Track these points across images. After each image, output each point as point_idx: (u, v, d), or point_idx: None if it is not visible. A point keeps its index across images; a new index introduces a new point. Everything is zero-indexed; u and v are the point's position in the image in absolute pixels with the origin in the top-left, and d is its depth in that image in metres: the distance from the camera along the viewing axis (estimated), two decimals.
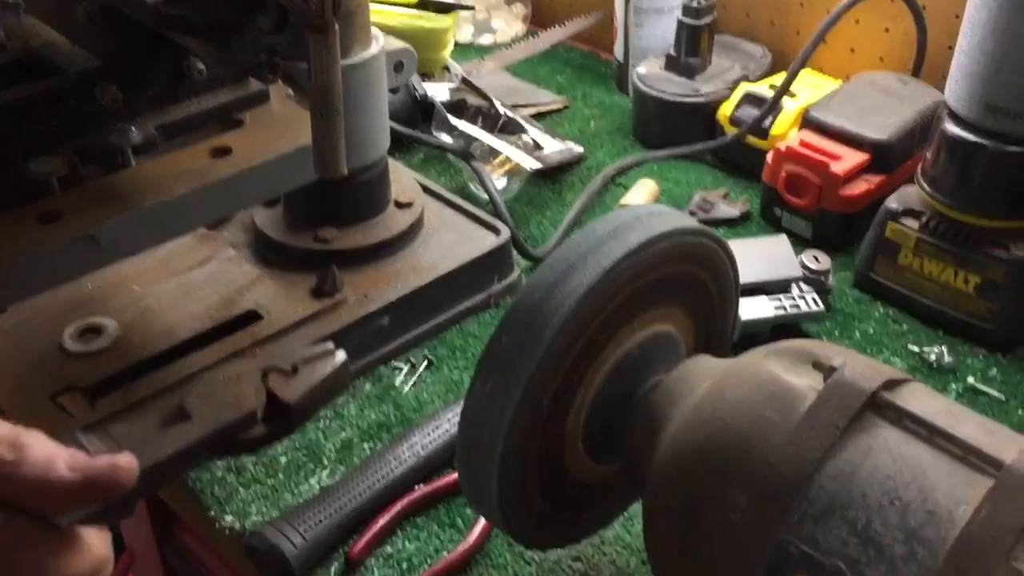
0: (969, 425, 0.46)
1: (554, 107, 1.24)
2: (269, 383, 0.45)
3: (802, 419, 0.47)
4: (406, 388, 0.84)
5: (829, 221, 0.99)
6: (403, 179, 0.97)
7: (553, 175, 1.11)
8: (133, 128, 0.69)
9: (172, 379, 0.77)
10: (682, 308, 0.59)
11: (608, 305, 0.53)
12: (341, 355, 0.46)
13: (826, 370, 0.48)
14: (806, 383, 0.49)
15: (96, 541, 0.39)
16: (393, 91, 0.87)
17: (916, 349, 0.88)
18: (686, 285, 0.59)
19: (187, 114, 0.72)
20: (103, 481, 0.38)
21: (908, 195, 0.91)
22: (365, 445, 0.79)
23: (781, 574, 0.45)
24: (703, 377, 0.54)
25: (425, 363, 0.87)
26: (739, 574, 0.47)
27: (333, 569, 0.70)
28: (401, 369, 0.86)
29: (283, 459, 0.77)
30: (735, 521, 0.47)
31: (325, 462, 0.77)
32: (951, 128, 0.86)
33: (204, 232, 0.90)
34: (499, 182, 1.04)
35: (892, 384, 0.48)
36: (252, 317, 0.83)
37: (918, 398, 0.48)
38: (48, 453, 0.38)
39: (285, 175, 0.71)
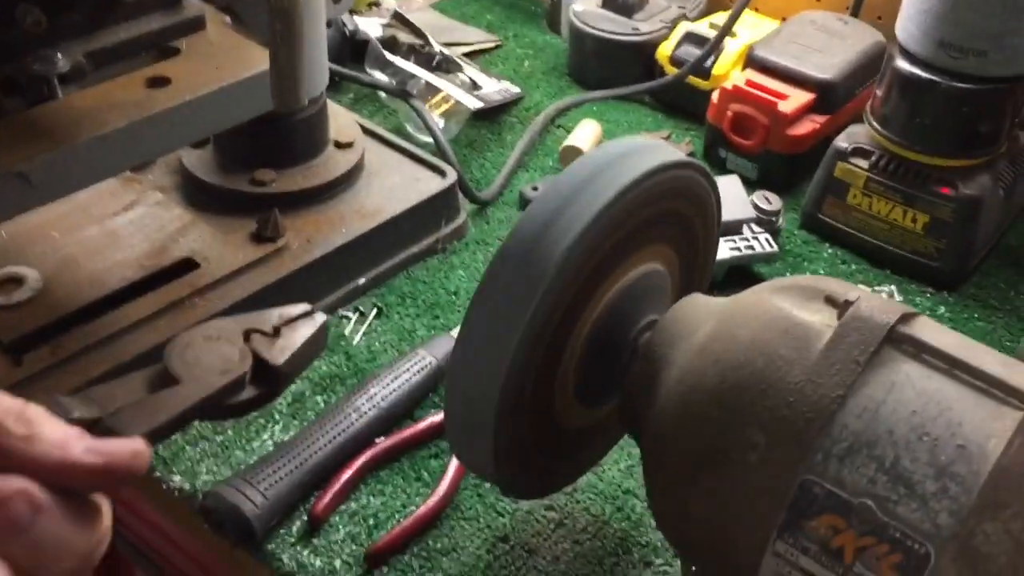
0: (986, 357, 0.45)
1: (486, 46, 1.20)
2: (253, 344, 0.41)
3: (820, 356, 0.45)
4: (356, 337, 0.80)
5: (775, 162, 0.98)
6: (341, 118, 0.92)
7: (492, 116, 1.07)
8: (59, 55, 0.62)
9: (104, 332, 0.71)
10: (670, 245, 0.57)
11: (604, 243, 0.51)
12: (320, 316, 0.42)
13: (841, 305, 0.47)
14: (819, 319, 0.47)
15: (107, 509, 0.35)
16: (327, 25, 0.82)
17: (865, 289, 0.88)
18: (675, 221, 0.56)
19: (117, 40, 0.65)
20: (120, 467, 0.34)
21: (857, 134, 0.91)
22: (318, 398, 0.75)
23: (806, 515, 0.44)
24: (703, 317, 0.52)
25: (374, 311, 0.83)
26: (760, 516, 0.45)
27: (295, 528, 0.66)
28: (349, 318, 0.82)
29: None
30: (754, 462, 0.45)
31: (277, 416, 0.73)
32: (903, 65, 0.85)
33: (127, 175, 0.83)
34: (436, 123, 1.00)
35: (907, 317, 0.46)
36: (188, 265, 0.77)
37: (932, 331, 0.46)
38: (61, 431, 0.34)
39: (232, 108, 0.65)
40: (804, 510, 0.44)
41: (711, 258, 0.62)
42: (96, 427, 0.37)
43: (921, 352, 0.45)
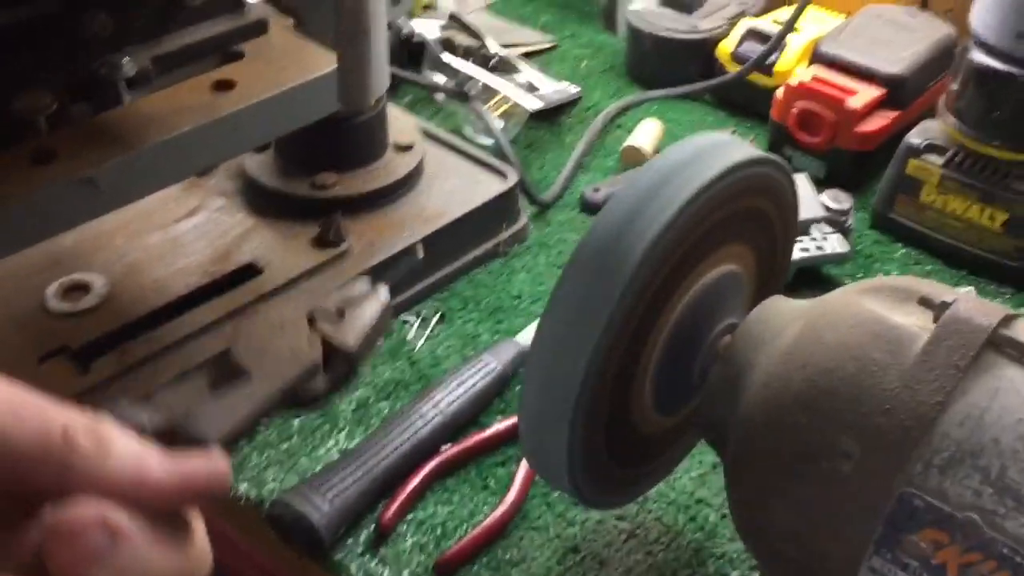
0: None
1: (542, 47, 1.18)
2: (319, 328, 0.39)
3: (917, 360, 0.43)
4: (419, 343, 0.79)
5: (843, 160, 0.95)
6: (400, 121, 0.91)
7: (550, 117, 1.05)
8: (126, 60, 0.61)
9: (170, 339, 0.71)
10: (748, 245, 0.55)
11: (684, 242, 0.49)
12: (384, 293, 0.40)
13: (937, 307, 0.44)
14: (914, 322, 0.45)
15: (200, 527, 0.33)
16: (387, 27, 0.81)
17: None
18: (753, 220, 0.54)
19: (182, 44, 0.65)
20: (198, 486, 0.32)
21: (930, 130, 0.88)
22: (382, 404, 0.74)
23: (904, 529, 0.42)
24: (787, 320, 0.50)
25: (437, 316, 0.82)
26: (854, 530, 0.43)
27: (363, 537, 0.65)
28: (412, 323, 0.81)
29: (296, 421, 0.72)
30: (847, 472, 0.43)
31: (341, 423, 0.72)
32: (979, 57, 0.82)
33: (190, 180, 0.83)
34: (496, 125, 0.98)
35: (1009, 319, 0.44)
36: (251, 270, 0.77)
37: None
38: (135, 448, 0.32)
39: (296, 110, 0.64)
40: (903, 524, 0.42)
41: (788, 259, 0.60)
42: (175, 435, 0.36)
43: None
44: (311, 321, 0.40)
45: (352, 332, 0.39)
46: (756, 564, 0.64)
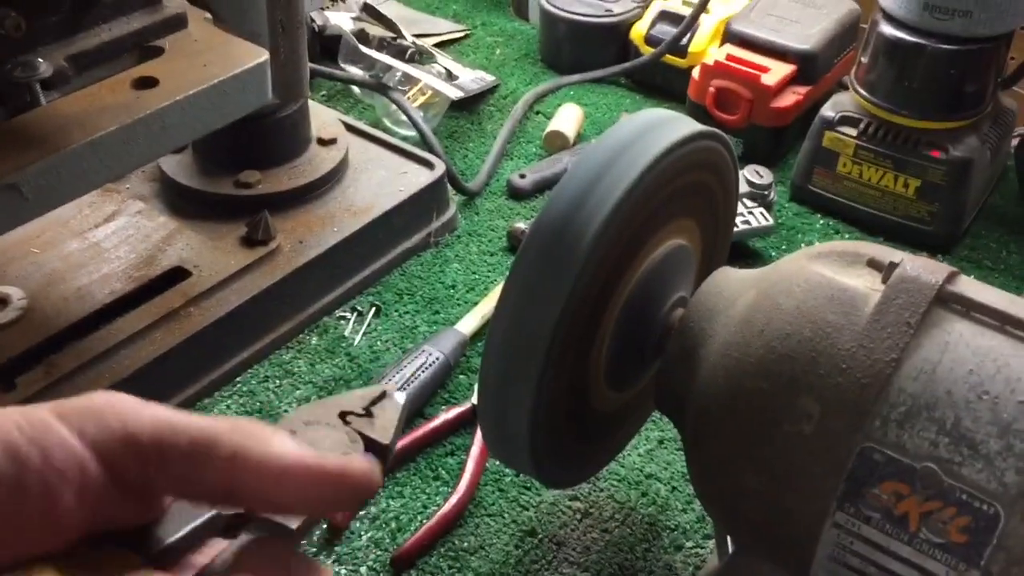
0: None
1: (455, 36, 1.18)
2: (354, 426, 0.41)
3: (870, 320, 0.44)
4: (357, 338, 0.78)
5: (759, 136, 0.97)
6: (322, 115, 0.89)
7: (469, 107, 1.05)
8: (40, 61, 0.59)
9: (99, 348, 0.68)
10: (694, 219, 0.56)
11: (634, 219, 0.49)
12: (401, 397, 0.43)
13: (886, 268, 0.46)
14: (864, 283, 0.46)
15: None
16: None
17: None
18: (699, 194, 0.55)
19: (99, 42, 0.62)
20: (361, 479, 0.33)
21: (843, 102, 0.91)
22: None
23: (866, 483, 0.43)
24: (739, 289, 0.51)
25: (372, 310, 0.80)
26: (818, 487, 0.44)
27: (315, 537, 0.64)
28: (348, 319, 0.80)
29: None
30: (809, 433, 0.44)
31: None
32: (888, 30, 0.85)
33: (105, 186, 0.80)
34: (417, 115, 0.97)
35: (953, 276, 0.45)
36: (179, 274, 0.75)
37: (977, 288, 0.46)
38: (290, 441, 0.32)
39: (224, 106, 0.63)
40: (864, 478, 0.43)
41: (730, 231, 0.61)
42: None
43: (971, 310, 0.44)
44: (343, 418, 0.41)
45: (385, 429, 0.41)
46: (710, 532, 0.65)
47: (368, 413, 0.42)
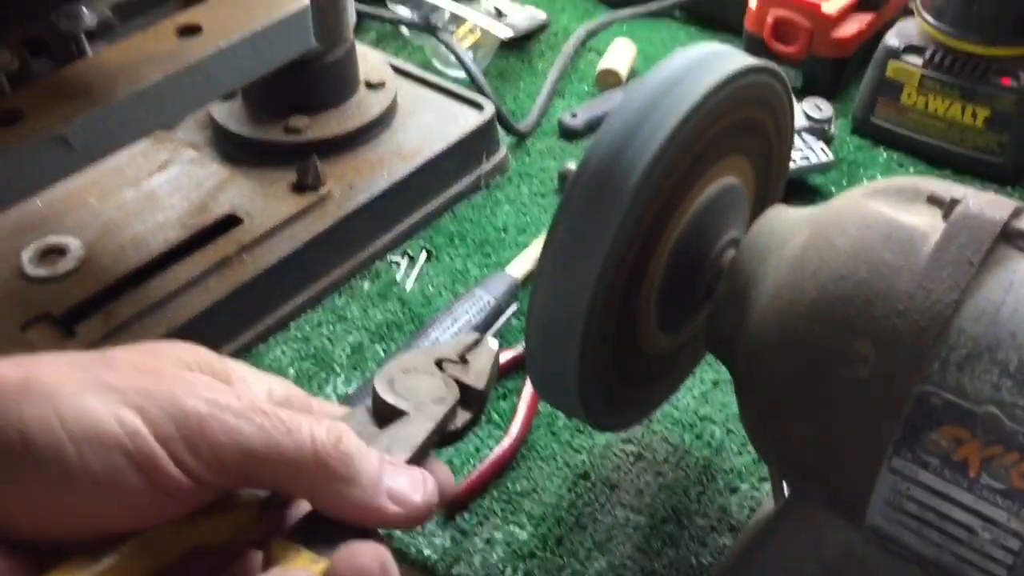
0: None
1: None
2: (449, 373, 0.42)
3: (929, 259, 0.42)
4: (408, 283, 0.78)
5: (819, 67, 0.94)
6: (369, 58, 0.88)
7: (520, 45, 1.03)
8: (84, 11, 0.59)
9: (155, 296, 0.69)
10: (746, 157, 0.54)
11: (684, 157, 0.48)
12: (494, 342, 0.44)
13: (947, 204, 0.44)
14: (924, 221, 0.44)
15: None
16: None
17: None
18: (752, 131, 0.53)
19: None
20: (442, 493, 0.36)
21: (907, 30, 0.87)
22: (377, 347, 0.73)
23: (924, 428, 0.42)
24: (792, 229, 0.49)
25: (423, 254, 0.80)
26: (873, 432, 0.43)
27: None
28: (399, 263, 0.80)
29: (291, 371, 0.71)
30: (864, 377, 0.43)
31: (337, 369, 0.71)
32: None
33: (157, 134, 0.81)
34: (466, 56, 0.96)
35: (1020, 212, 0.43)
36: (231, 221, 0.75)
37: None
38: (375, 463, 0.34)
39: (268, 51, 0.62)
40: (922, 423, 0.42)
41: (785, 169, 0.59)
42: None
43: None
44: (439, 367, 0.43)
45: (479, 375, 0.43)
46: (766, 475, 0.64)
47: (463, 360, 0.43)
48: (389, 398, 0.40)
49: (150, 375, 0.32)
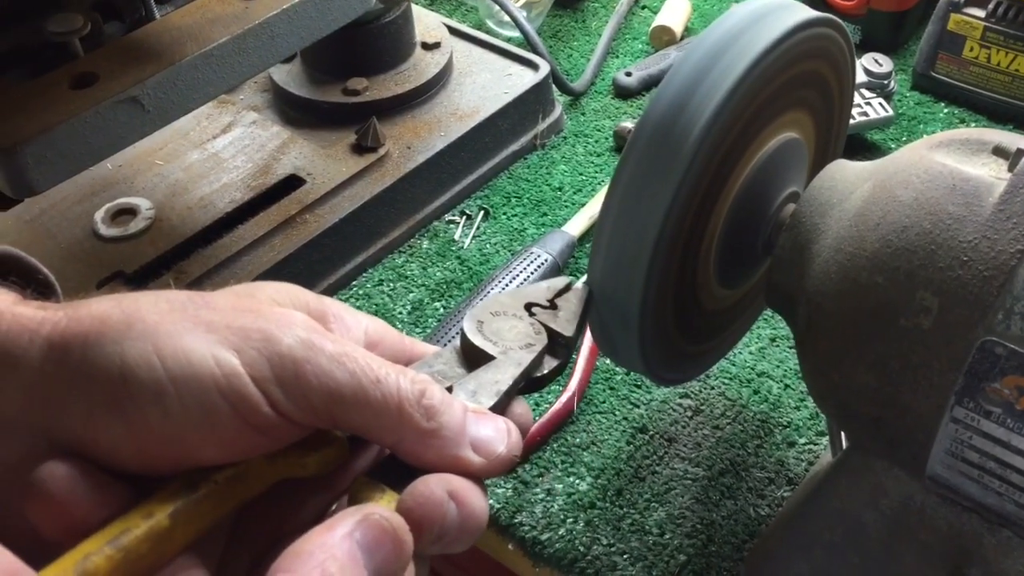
0: None
1: None
2: (539, 318, 0.42)
3: (994, 210, 0.42)
4: (467, 241, 0.79)
5: (879, 21, 0.93)
6: (425, 19, 0.89)
7: (573, 3, 1.03)
8: None
9: (223, 255, 0.71)
10: (808, 111, 0.54)
11: (744, 112, 0.48)
12: (585, 287, 0.44)
13: (1013, 155, 0.44)
14: (988, 172, 0.44)
15: None
16: None
17: None
18: (813, 85, 0.53)
19: None
20: (513, 457, 0.36)
21: None
22: (437, 304, 0.74)
23: (986, 377, 0.42)
24: (854, 182, 0.49)
25: (481, 213, 0.81)
26: (936, 382, 0.43)
27: None
28: (457, 223, 0.81)
29: None
30: (927, 327, 0.43)
31: (399, 326, 0.73)
32: None
33: (220, 97, 0.82)
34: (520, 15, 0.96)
35: None
36: (294, 182, 0.77)
37: None
38: (459, 415, 0.35)
39: (332, 11, 0.63)
40: (985, 373, 0.42)
41: (846, 124, 0.59)
42: None
43: None
44: (528, 310, 0.43)
45: (568, 321, 0.43)
46: (824, 429, 0.65)
47: (553, 305, 0.43)
48: (477, 340, 0.40)
49: (248, 314, 0.33)
